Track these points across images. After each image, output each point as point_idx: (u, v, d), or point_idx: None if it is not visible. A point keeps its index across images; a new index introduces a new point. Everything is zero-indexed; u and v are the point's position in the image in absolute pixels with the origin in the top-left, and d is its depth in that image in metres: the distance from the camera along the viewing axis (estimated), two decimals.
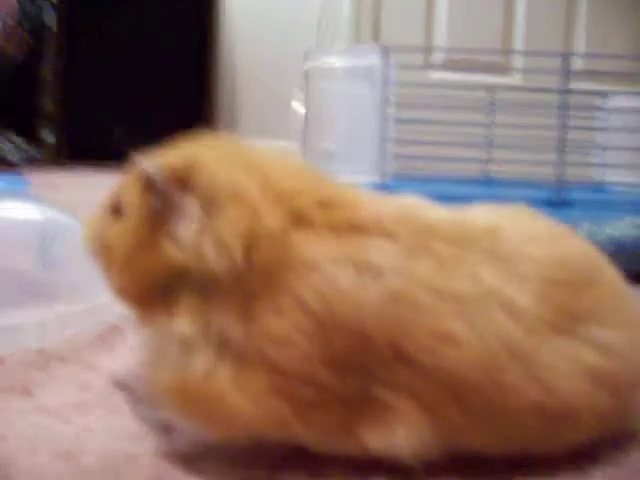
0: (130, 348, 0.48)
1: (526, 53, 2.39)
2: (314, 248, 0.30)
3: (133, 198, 0.32)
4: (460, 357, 0.30)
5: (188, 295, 0.30)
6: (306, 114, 0.95)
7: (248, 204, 0.30)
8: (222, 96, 2.57)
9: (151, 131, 2.60)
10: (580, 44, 2.51)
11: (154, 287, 0.31)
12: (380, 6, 2.41)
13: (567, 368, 0.31)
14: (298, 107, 0.93)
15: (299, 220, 0.31)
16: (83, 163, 2.36)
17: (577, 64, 2.31)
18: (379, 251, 0.31)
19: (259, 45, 2.61)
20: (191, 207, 0.30)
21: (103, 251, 0.34)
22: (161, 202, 0.31)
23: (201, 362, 0.30)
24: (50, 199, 0.57)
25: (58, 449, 0.33)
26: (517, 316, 0.30)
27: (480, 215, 0.35)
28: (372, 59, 0.81)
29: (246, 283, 0.29)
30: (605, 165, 1.08)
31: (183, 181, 0.31)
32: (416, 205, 0.35)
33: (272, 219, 0.30)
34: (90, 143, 2.39)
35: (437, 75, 2.35)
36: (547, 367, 0.30)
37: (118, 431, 0.35)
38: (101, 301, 0.51)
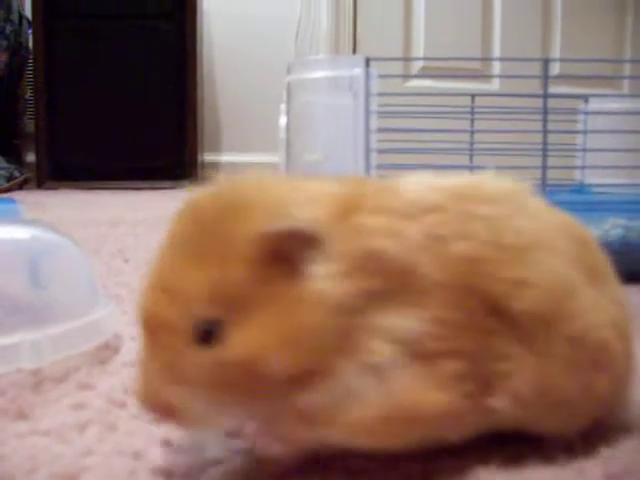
0: (124, 364, 0.48)
1: (507, 59, 2.42)
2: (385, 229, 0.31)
3: None
4: (535, 297, 0.32)
5: None
6: (288, 126, 0.95)
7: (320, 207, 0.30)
8: (204, 114, 2.57)
9: (134, 150, 2.60)
10: (556, 49, 2.55)
11: None
12: (358, 17, 2.43)
13: (599, 312, 0.34)
14: (283, 120, 0.94)
15: (356, 209, 0.31)
16: (65, 183, 2.35)
17: (554, 69, 2.35)
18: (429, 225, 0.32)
19: (239, 61, 2.62)
20: None
21: None
22: None
23: (399, 380, 0.30)
24: (40, 218, 0.56)
25: (58, 470, 0.33)
26: (563, 258, 0.34)
27: (489, 180, 0.37)
28: (354, 70, 0.82)
29: None
30: (587, 167, 1.09)
31: None
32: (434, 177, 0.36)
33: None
34: (72, 163, 2.38)
35: (418, 83, 2.37)
36: (587, 305, 0.34)
37: (117, 449, 0.35)
38: (93, 318, 0.50)
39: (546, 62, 0.79)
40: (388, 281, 0.30)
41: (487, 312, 0.31)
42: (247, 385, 0.28)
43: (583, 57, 2.26)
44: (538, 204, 0.37)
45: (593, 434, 0.36)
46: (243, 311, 0.28)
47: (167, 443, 0.36)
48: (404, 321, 0.30)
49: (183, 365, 0.28)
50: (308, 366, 0.28)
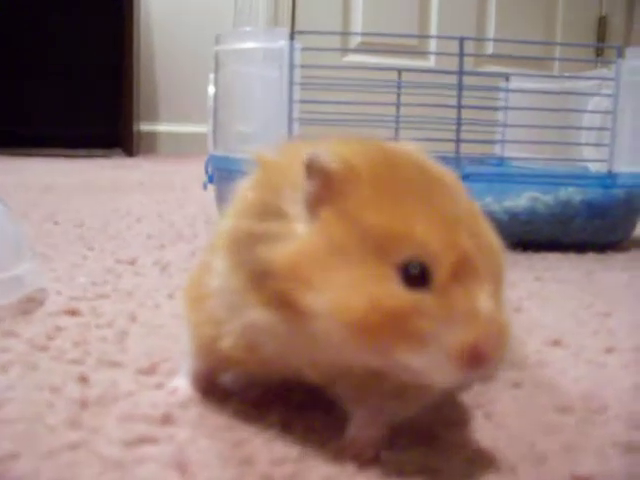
0: (49, 315, 0.51)
1: (427, 37, 2.48)
2: None
3: None
4: None
5: None
6: (216, 97, 0.97)
7: None
8: (141, 83, 2.55)
9: (68, 117, 2.53)
10: (491, 29, 2.62)
11: None
12: None
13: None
14: (212, 90, 0.96)
15: None
16: None
17: (488, 49, 2.41)
18: None
19: (177, 30, 2.60)
20: None
21: None
22: None
23: None
24: None
25: None
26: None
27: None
28: (279, 42, 0.84)
29: None
30: (505, 141, 1.15)
31: None
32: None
33: None
34: (3, 129, 2.34)
35: (352, 58, 2.40)
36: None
37: (37, 385, 0.38)
38: (17, 273, 0.53)
39: (461, 40, 0.84)
40: None
41: None
42: None
43: (501, 37, 2.36)
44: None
45: None
46: None
47: (83, 380, 0.39)
48: None
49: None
50: None
